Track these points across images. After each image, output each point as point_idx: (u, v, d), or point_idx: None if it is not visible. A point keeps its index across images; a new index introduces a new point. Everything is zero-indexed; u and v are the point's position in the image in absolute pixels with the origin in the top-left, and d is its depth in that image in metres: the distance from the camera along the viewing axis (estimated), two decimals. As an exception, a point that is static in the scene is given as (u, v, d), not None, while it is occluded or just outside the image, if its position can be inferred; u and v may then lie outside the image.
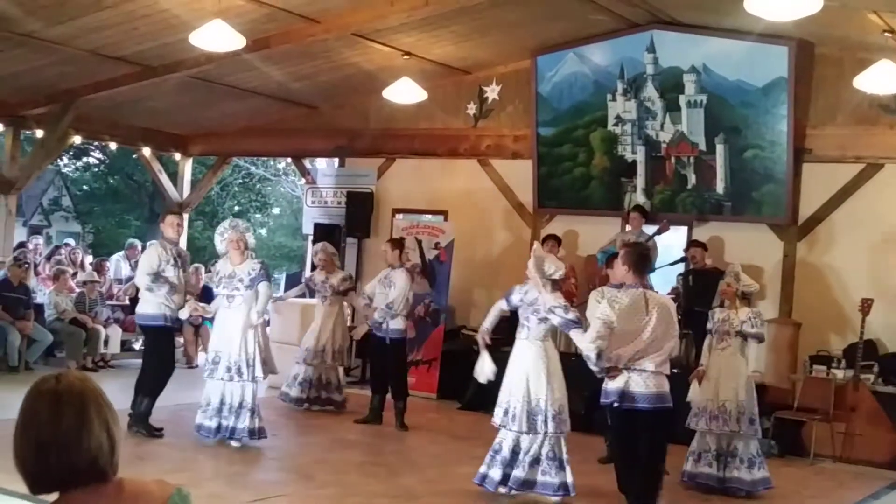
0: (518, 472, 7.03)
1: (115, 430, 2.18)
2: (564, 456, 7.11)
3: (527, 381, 7.06)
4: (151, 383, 8.72)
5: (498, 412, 7.18)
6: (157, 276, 8.60)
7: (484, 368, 7.40)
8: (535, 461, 7.07)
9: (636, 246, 7.49)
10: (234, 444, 8.47)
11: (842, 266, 10.66)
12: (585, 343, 6.56)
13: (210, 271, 15.27)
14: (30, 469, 2.12)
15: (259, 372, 8.60)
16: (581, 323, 7.04)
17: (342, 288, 10.82)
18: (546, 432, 7.02)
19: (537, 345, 7.16)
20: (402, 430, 9.72)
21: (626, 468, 6.83)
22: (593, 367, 6.55)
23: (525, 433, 7.02)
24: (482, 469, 7.21)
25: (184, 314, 8.84)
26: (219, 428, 8.49)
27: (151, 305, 8.68)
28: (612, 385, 6.60)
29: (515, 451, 7.10)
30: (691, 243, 10.98)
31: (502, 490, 7.06)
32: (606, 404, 6.72)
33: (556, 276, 7.20)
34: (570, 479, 7.08)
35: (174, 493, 2.23)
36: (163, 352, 8.92)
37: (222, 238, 8.62)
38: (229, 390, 8.50)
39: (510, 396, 7.11)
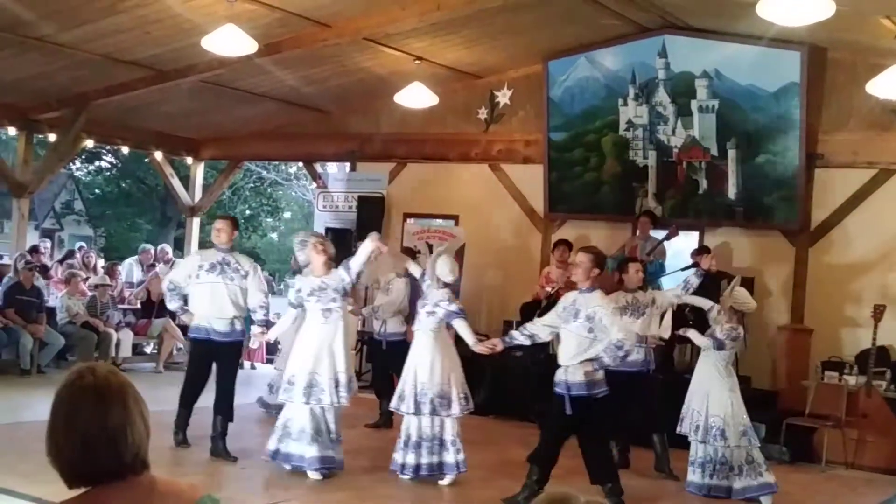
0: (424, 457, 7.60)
1: (148, 420, 2.22)
2: (447, 437, 7.65)
3: (415, 368, 7.68)
4: (181, 392, 8.47)
5: (394, 399, 7.85)
6: (177, 288, 8.22)
7: None
8: (435, 443, 7.67)
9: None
10: (314, 475, 7.56)
11: (854, 272, 10.63)
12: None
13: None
14: (75, 465, 2.12)
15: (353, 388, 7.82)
16: (463, 313, 7.77)
17: None
18: (430, 414, 7.58)
19: (428, 335, 7.71)
20: None
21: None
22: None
23: (413, 414, 7.61)
24: (397, 458, 7.71)
25: (253, 344, 8.33)
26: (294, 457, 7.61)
27: (196, 316, 8.24)
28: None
29: (417, 435, 7.66)
30: (697, 250, 10.93)
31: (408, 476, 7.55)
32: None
33: (447, 280, 7.74)
34: (450, 459, 7.66)
35: (205, 496, 2.25)
36: (194, 364, 8.51)
37: (303, 246, 7.99)
38: (327, 415, 7.61)
39: (404, 383, 7.75)
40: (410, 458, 7.63)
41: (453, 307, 7.72)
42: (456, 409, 7.63)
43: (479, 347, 7.66)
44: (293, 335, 9.19)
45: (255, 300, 8.18)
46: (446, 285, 7.76)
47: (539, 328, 7.39)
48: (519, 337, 7.50)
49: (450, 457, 7.67)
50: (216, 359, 8.30)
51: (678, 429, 8.00)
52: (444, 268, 7.70)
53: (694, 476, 7.84)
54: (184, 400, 8.40)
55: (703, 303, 8.29)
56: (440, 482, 7.64)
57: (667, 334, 8.69)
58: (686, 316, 9.15)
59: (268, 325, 8.51)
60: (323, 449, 7.50)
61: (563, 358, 7.08)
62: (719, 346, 7.82)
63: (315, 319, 7.61)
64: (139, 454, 2.17)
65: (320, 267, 7.69)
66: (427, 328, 7.73)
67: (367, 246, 7.74)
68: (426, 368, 7.62)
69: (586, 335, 6.97)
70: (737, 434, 7.65)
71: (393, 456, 7.74)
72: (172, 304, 8.40)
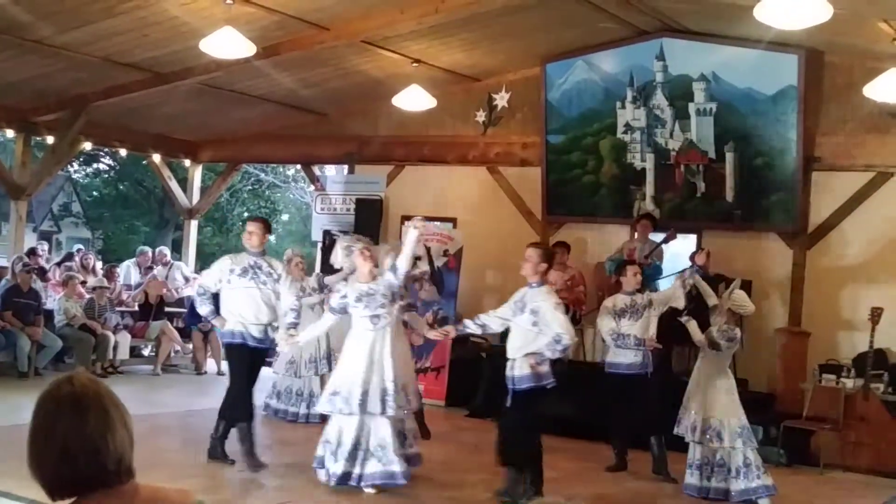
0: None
1: (132, 427, 2.20)
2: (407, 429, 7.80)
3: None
4: (222, 404, 8.07)
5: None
6: (207, 292, 7.96)
7: None
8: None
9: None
10: (369, 490, 7.28)
11: (851, 275, 10.64)
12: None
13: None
14: (56, 475, 2.11)
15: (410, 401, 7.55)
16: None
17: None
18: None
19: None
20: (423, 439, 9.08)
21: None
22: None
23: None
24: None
25: (283, 348, 8.04)
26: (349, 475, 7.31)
27: (229, 321, 7.90)
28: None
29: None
30: (693, 253, 10.92)
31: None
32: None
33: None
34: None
35: (196, 502, 2.24)
36: (233, 371, 8.14)
37: (349, 252, 7.67)
38: (378, 426, 7.29)
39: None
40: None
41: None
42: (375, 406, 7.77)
43: (432, 334, 8.00)
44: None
45: (287, 303, 7.88)
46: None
47: (492, 319, 7.53)
48: (472, 326, 7.68)
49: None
50: (252, 365, 8.02)
51: (675, 430, 8.01)
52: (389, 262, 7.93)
53: (692, 478, 7.84)
54: (227, 411, 7.97)
55: (710, 297, 8.25)
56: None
57: (681, 304, 8.55)
58: (679, 323, 9.13)
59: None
60: (377, 463, 7.19)
61: (510, 351, 7.25)
62: (714, 345, 7.83)
63: (362, 326, 7.34)
64: (123, 462, 2.14)
65: (366, 273, 7.46)
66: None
67: (412, 236, 7.44)
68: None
69: (531, 328, 7.12)
70: (733, 435, 7.66)
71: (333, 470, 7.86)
72: (203, 309, 8.06)
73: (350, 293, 7.41)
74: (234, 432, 7.95)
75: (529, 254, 7.38)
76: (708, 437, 7.71)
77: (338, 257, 8.37)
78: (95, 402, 2.14)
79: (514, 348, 7.21)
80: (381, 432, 7.24)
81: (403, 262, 7.44)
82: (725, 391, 7.80)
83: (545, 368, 7.15)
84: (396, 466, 7.19)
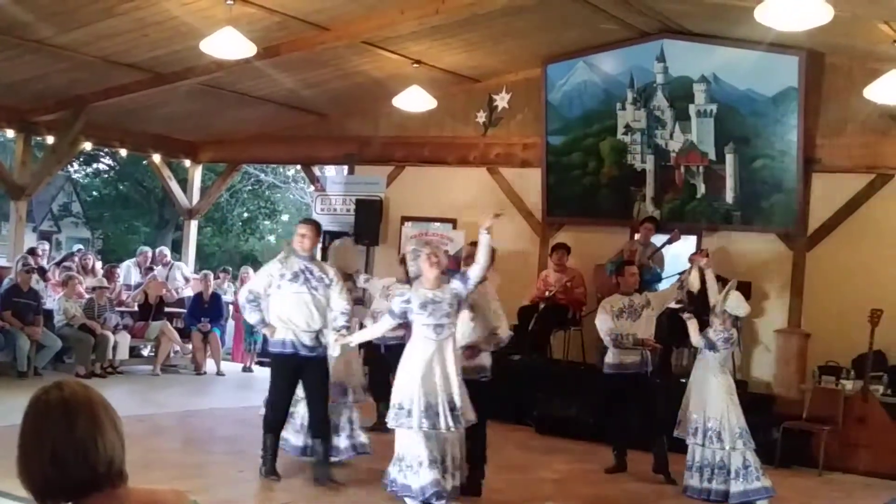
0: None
1: (122, 431, 2.20)
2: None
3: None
4: (265, 417, 7.74)
5: None
6: (256, 299, 7.58)
7: None
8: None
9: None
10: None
11: (851, 276, 10.63)
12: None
13: (219, 278, 15.39)
14: (46, 480, 2.11)
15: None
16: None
17: None
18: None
19: None
20: None
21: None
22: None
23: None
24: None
25: (335, 351, 7.52)
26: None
27: (279, 329, 7.56)
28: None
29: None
30: (693, 254, 10.91)
31: None
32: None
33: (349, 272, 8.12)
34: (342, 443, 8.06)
35: (190, 503, 2.24)
36: (280, 382, 7.71)
37: (415, 256, 7.16)
38: (449, 442, 6.91)
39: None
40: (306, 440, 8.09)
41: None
42: (351, 397, 8.22)
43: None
44: None
45: (338, 306, 7.49)
46: (348, 277, 8.27)
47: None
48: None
49: (341, 441, 8.14)
50: (303, 376, 7.61)
51: (675, 432, 8.00)
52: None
53: (692, 480, 7.84)
54: (270, 424, 7.65)
55: (713, 294, 8.21)
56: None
57: (696, 287, 8.51)
58: (679, 325, 9.13)
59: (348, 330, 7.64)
60: (441, 477, 6.77)
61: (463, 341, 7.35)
62: (711, 346, 7.83)
63: (424, 335, 6.86)
64: (114, 465, 2.14)
65: (433, 280, 6.96)
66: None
67: (485, 241, 7.03)
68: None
69: (470, 322, 7.30)
70: (733, 437, 7.66)
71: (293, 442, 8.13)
72: (252, 317, 7.68)
73: (414, 299, 6.92)
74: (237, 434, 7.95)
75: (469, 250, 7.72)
76: (708, 438, 7.71)
77: (342, 259, 8.36)
78: (85, 406, 2.14)
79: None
80: (452, 447, 6.90)
81: (476, 272, 7.02)
82: (724, 392, 7.79)
83: (483, 362, 7.40)
84: (451, 480, 6.87)
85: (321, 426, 7.64)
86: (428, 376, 6.71)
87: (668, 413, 8.24)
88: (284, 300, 7.49)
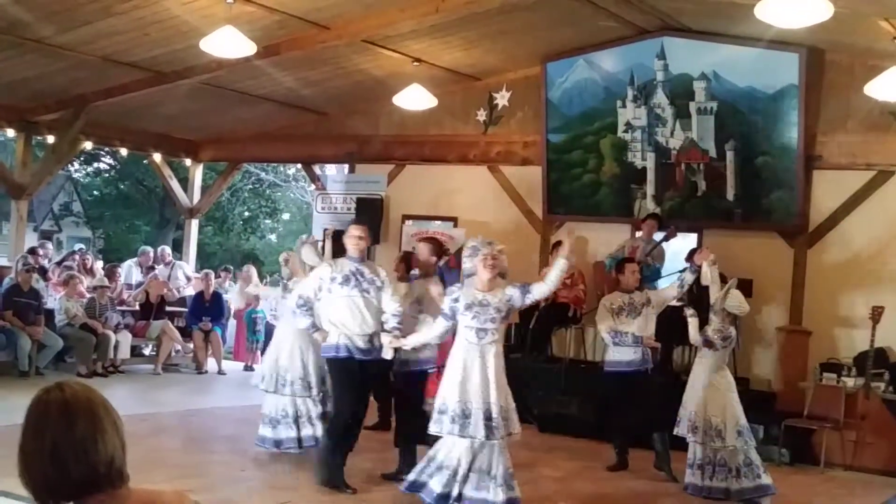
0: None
1: (122, 432, 2.21)
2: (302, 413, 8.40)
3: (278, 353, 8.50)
4: (329, 426, 7.60)
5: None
6: (307, 303, 7.37)
7: None
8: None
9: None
10: None
11: (852, 274, 10.63)
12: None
13: (220, 277, 15.40)
14: (46, 480, 2.12)
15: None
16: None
17: None
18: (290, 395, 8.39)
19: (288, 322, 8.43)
20: None
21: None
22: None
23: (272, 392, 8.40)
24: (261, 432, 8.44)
25: (388, 354, 7.32)
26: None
27: (331, 333, 7.34)
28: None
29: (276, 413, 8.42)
30: (691, 251, 10.90)
31: None
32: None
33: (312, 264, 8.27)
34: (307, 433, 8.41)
35: None
36: (338, 389, 7.54)
37: (473, 253, 6.83)
38: (486, 454, 6.64)
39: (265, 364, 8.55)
40: (268, 432, 8.37)
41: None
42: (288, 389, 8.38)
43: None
44: (291, 339, 9.11)
45: (390, 308, 7.34)
46: (311, 269, 8.30)
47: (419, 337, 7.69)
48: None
49: (306, 431, 8.38)
50: (366, 381, 7.43)
51: (675, 430, 8.01)
52: (309, 254, 8.47)
53: (693, 478, 7.84)
54: (336, 434, 7.45)
55: (713, 292, 8.21)
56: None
57: (708, 280, 8.53)
58: (680, 322, 9.14)
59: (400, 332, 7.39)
60: (480, 490, 6.56)
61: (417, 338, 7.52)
62: (709, 344, 7.84)
63: (465, 337, 6.63)
64: (114, 465, 2.15)
65: (486, 282, 6.67)
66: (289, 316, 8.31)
67: (562, 265, 6.71)
68: (286, 353, 8.36)
69: (414, 315, 7.62)
70: (734, 434, 7.66)
71: (259, 432, 8.44)
72: (303, 322, 7.46)
73: (462, 298, 6.67)
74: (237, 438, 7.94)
75: (420, 247, 8.06)
76: (709, 436, 7.72)
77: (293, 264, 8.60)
78: (85, 407, 2.15)
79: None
80: (488, 458, 6.61)
81: (542, 290, 6.78)
82: (725, 390, 7.80)
83: (416, 355, 7.67)
84: (492, 495, 6.51)
85: (411, 435, 7.46)
86: (465, 381, 6.51)
87: (669, 411, 8.24)
88: (336, 304, 7.30)
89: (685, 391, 8.06)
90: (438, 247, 8.14)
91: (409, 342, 7.22)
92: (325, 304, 7.37)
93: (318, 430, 8.31)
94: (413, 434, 7.63)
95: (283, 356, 8.40)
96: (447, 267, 11.49)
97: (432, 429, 6.65)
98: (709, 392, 7.78)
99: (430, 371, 7.83)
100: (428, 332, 7.18)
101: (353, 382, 7.32)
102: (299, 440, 8.42)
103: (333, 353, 7.32)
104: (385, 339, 7.23)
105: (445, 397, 6.59)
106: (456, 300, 6.70)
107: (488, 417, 6.43)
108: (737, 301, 8.03)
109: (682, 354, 10.73)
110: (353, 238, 7.41)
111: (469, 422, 6.45)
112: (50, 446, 2.10)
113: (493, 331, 6.60)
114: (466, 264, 6.90)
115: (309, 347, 8.29)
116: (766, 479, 7.67)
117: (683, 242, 11.24)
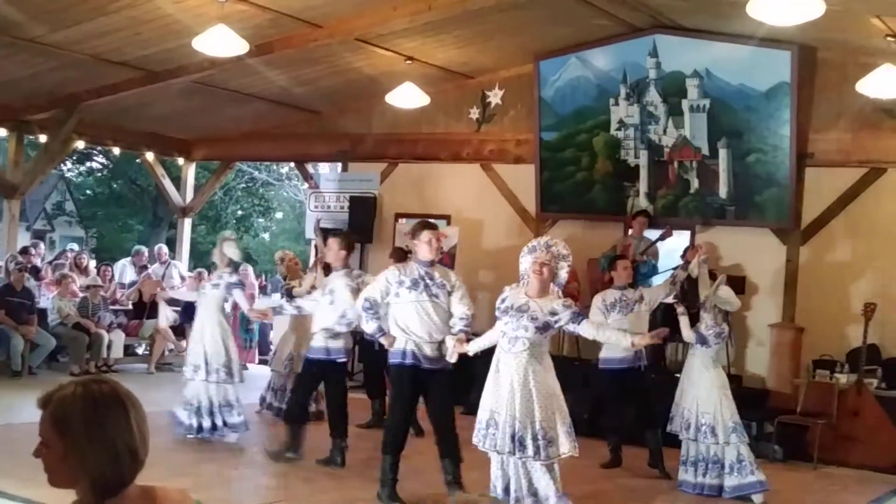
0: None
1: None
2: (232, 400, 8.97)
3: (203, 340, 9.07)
4: (384, 437, 7.20)
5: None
6: (374, 307, 7.08)
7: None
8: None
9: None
10: None
11: (845, 270, 10.66)
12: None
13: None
14: (106, 475, 2.12)
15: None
16: (241, 285, 9.22)
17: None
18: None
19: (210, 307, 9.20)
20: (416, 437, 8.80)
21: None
22: None
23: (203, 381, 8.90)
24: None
25: (453, 358, 6.90)
26: None
27: (399, 339, 7.06)
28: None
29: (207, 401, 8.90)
30: (686, 248, 10.91)
31: None
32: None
33: (233, 259, 9.13)
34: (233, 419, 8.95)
35: (194, 503, 2.25)
36: (402, 396, 7.12)
37: (530, 253, 6.54)
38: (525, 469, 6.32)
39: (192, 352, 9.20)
40: (194, 420, 8.76)
41: (233, 279, 9.02)
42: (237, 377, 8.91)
43: (252, 314, 9.55)
44: (290, 336, 9.19)
45: (458, 311, 6.99)
46: (230, 262, 9.11)
47: (306, 301, 8.47)
48: (288, 307, 8.63)
49: (232, 418, 8.85)
50: (426, 390, 7.04)
51: (668, 427, 8.03)
52: (230, 249, 9.04)
53: (686, 475, 7.86)
54: (388, 445, 7.06)
55: (703, 289, 8.23)
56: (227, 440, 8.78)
57: (696, 273, 8.59)
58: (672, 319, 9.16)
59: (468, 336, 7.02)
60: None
61: (313, 326, 8.32)
62: (702, 341, 7.86)
63: (500, 342, 6.34)
64: (145, 459, 2.19)
65: (536, 290, 6.33)
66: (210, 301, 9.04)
67: (627, 341, 6.63)
68: (210, 340, 8.90)
69: (329, 307, 8.11)
70: (726, 431, 7.68)
71: (186, 422, 8.77)
72: (370, 326, 7.17)
73: (508, 300, 6.39)
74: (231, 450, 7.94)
75: (330, 243, 8.40)
76: (702, 433, 7.73)
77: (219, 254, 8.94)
78: (135, 401, 2.21)
79: (316, 325, 8.29)
80: (531, 476, 6.27)
81: (590, 333, 6.54)
82: (717, 387, 7.81)
83: (337, 345, 8.24)
84: None
85: (449, 445, 6.99)
86: (496, 390, 6.20)
87: (662, 408, 8.26)
88: (403, 309, 6.99)
89: (678, 388, 8.08)
90: (348, 240, 8.58)
91: (472, 347, 6.82)
92: (393, 309, 7.06)
93: (235, 417, 8.85)
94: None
95: (208, 343, 8.87)
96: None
97: (475, 440, 6.33)
98: (701, 389, 7.80)
99: (338, 360, 8.39)
100: (490, 336, 6.62)
101: (412, 393, 6.99)
102: (214, 426, 8.86)
103: (399, 360, 6.96)
104: (449, 342, 6.88)
105: (481, 405, 6.32)
106: (503, 300, 6.40)
107: (513, 433, 6.06)
108: (727, 296, 8.05)
109: (674, 351, 10.74)
110: (425, 243, 7.00)
111: (495, 432, 6.14)
112: (112, 441, 2.12)
113: (524, 339, 6.16)
114: (522, 264, 6.52)
115: (228, 335, 8.97)
116: (759, 476, 7.68)
117: (678, 241, 11.27)
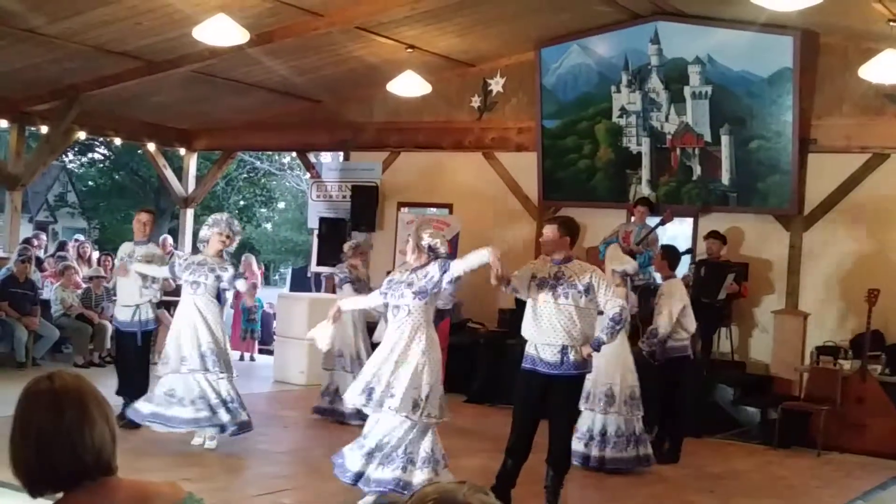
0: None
1: (114, 423, 2.21)
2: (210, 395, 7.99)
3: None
4: (508, 444, 6.63)
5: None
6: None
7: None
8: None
9: None
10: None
11: (848, 256, 10.65)
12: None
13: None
14: (32, 470, 2.13)
15: None
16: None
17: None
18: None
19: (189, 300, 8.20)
20: None
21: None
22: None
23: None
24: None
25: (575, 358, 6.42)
26: None
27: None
28: None
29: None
30: (709, 234, 10.86)
31: None
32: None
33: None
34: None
35: (186, 497, 2.24)
36: (517, 403, 6.69)
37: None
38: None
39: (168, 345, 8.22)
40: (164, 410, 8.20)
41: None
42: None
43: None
44: (187, 316, 8.78)
45: (611, 309, 6.34)
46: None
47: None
48: None
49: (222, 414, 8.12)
50: (547, 396, 6.42)
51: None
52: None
53: (578, 446, 7.79)
54: (509, 450, 6.57)
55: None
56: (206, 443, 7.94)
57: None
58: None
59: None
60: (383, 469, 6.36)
61: None
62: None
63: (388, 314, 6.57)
64: (102, 457, 2.15)
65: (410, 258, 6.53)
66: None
67: (484, 257, 6.46)
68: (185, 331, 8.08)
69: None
70: (619, 402, 7.73)
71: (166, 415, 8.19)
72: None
73: (395, 275, 6.54)
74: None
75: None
76: (597, 402, 7.75)
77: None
78: (74, 395, 2.15)
79: None
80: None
81: (457, 268, 6.45)
82: (616, 356, 7.75)
83: None
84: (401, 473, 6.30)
85: (560, 457, 6.54)
86: (382, 356, 6.40)
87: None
88: (527, 310, 6.55)
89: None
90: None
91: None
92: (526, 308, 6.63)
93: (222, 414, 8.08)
94: None
95: (183, 335, 8.10)
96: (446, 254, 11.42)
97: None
98: (601, 358, 7.29)
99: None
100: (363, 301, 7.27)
101: (531, 398, 6.45)
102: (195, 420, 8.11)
103: (521, 363, 6.55)
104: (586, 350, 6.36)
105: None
106: (390, 280, 6.51)
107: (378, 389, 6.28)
108: (613, 255, 8.12)
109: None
110: (553, 242, 6.62)
111: (371, 393, 6.32)
112: (35, 436, 2.11)
113: (404, 307, 6.29)
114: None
115: (205, 325, 8.08)
116: (644, 450, 7.80)
117: (679, 227, 11.26)
